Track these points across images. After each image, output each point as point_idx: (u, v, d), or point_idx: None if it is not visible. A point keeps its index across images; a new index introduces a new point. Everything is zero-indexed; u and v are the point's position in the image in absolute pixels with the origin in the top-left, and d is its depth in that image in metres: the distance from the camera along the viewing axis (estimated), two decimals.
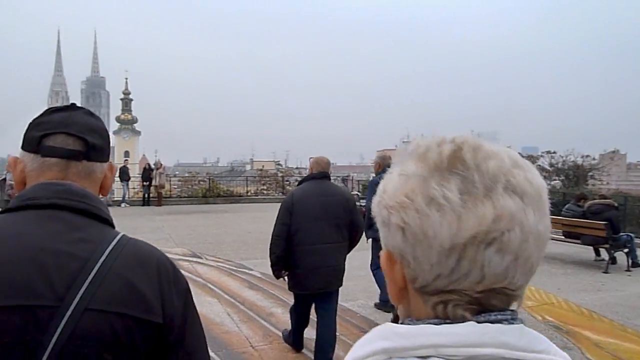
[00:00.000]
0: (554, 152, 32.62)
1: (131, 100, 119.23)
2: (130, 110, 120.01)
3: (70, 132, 1.03)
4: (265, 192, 24.51)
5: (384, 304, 5.63)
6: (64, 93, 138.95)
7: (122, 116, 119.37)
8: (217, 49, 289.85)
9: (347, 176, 21.67)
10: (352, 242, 4.08)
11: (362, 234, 4.17)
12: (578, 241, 8.83)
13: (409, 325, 0.56)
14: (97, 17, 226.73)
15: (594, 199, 9.41)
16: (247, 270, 7.60)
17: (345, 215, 3.89)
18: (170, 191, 21.62)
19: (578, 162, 30.72)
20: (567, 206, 9.46)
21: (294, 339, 4.36)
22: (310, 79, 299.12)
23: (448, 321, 0.55)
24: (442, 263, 0.54)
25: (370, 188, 5.69)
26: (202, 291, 6.41)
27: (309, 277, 3.83)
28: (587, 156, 31.66)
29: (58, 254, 0.92)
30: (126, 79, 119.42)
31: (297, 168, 74.49)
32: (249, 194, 23.19)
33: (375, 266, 5.68)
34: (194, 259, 8.51)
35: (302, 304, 4.10)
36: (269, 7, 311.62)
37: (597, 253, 8.96)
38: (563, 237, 9.18)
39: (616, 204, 9.33)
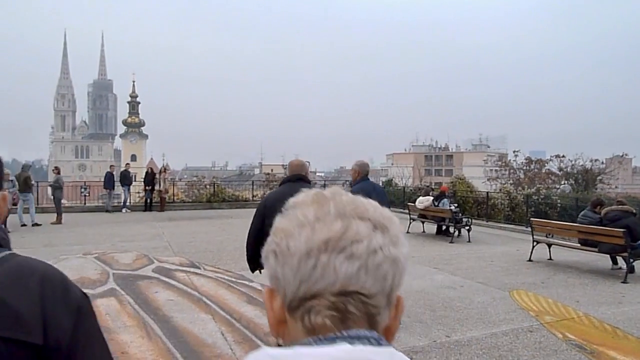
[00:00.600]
0: (563, 156, 32.31)
1: (138, 103, 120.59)
2: (137, 113, 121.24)
3: None
4: None
5: None
6: (70, 96, 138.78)
7: (129, 119, 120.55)
8: (227, 52, 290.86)
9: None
10: None
11: None
12: (595, 249, 8.41)
13: (283, 348, 0.61)
14: (104, 19, 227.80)
15: (611, 205, 8.97)
16: (247, 282, 7.22)
17: None
18: (175, 195, 21.35)
19: (587, 166, 30.35)
20: (582, 213, 9.02)
21: None
22: (319, 83, 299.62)
23: (320, 342, 0.60)
24: (302, 268, 0.62)
25: None
26: (196, 307, 6.05)
27: None
28: (596, 160, 31.32)
29: None
30: (133, 81, 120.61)
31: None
32: (255, 198, 22.86)
33: None
34: (192, 270, 8.14)
35: None
36: (277, 6, 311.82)
37: (614, 261, 8.56)
38: (579, 245, 8.77)
39: (634, 211, 8.89)
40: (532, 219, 9.97)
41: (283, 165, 31.72)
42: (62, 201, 15.75)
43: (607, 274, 8.27)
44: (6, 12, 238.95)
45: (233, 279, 7.51)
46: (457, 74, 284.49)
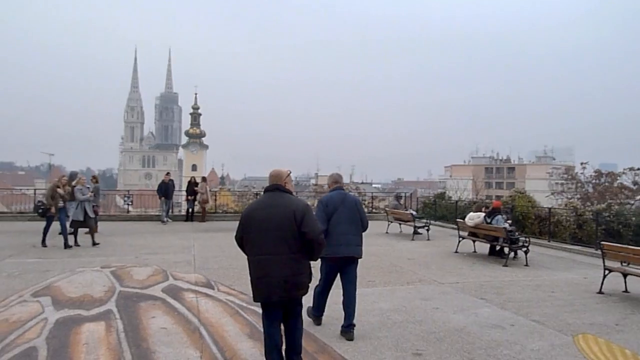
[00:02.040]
0: (638, 169, 29.61)
1: (200, 114, 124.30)
2: (199, 125, 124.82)
3: None
4: None
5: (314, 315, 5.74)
6: (139, 108, 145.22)
7: (191, 130, 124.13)
8: (285, 63, 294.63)
9: (402, 194, 19.84)
10: (310, 254, 4.04)
11: (320, 245, 4.04)
12: None
13: None
14: (172, 35, 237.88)
15: None
16: (258, 309, 6.25)
17: (291, 227, 3.91)
18: (227, 205, 21.13)
19: None
20: None
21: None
22: (378, 95, 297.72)
23: None
24: None
25: (317, 206, 5.70)
26: (188, 339, 5.15)
27: (256, 287, 4.01)
28: None
29: None
30: (195, 94, 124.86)
31: (362, 183, 73.28)
32: None
33: (318, 287, 5.58)
34: (203, 290, 7.31)
35: (264, 314, 4.17)
36: (339, 23, 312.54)
37: None
38: None
39: None
40: (603, 242, 8.42)
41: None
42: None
43: None
44: (81, 33, 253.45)
45: (244, 304, 6.60)
46: (521, 84, 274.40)
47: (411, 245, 12.83)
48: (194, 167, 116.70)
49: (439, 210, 19.77)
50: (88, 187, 12.28)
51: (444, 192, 24.00)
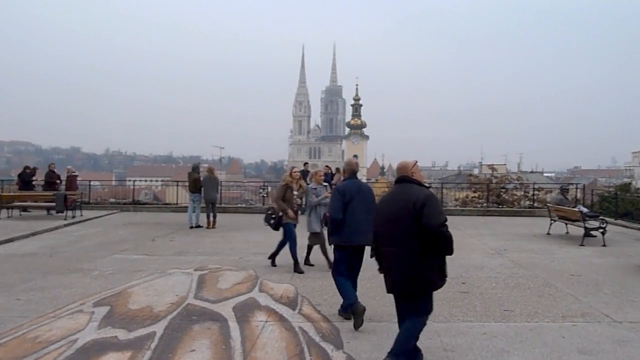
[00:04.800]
0: None
1: (360, 105, 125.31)
2: (360, 116, 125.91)
3: None
4: (477, 200, 20.83)
5: (343, 310, 5.53)
6: (306, 102, 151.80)
7: (352, 121, 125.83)
8: (446, 51, 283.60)
9: (568, 186, 16.02)
10: (433, 248, 3.75)
11: (440, 238, 3.69)
12: None
13: None
14: (336, 31, 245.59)
15: None
16: (330, 349, 4.61)
17: (411, 219, 3.75)
18: None
19: None
20: None
21: None
22: (549, 74, 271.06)
23: None
24: None
25: (332, 195, 5.75)
26: None
27: (384, 278, 4.06)
28: None
29: None
30: (356, 85, 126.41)
31: (531, 172, 66.20)
32: (452, 201, 19.79)
33: (336, 272, 5.60)
34: (281, 310, 5.93)
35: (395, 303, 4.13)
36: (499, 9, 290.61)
37: None
38: None
39: None
40: None
41: (489, 165, 27.43)
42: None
43: None
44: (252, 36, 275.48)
45: (317, 338, 4.99)
46: None
47: (578, 254, 9.86)
48: (355, 157, 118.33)
49: (622, 205, 15.74)
50: (325, 186, 9.22)
51: (630, 183, 19.40)
